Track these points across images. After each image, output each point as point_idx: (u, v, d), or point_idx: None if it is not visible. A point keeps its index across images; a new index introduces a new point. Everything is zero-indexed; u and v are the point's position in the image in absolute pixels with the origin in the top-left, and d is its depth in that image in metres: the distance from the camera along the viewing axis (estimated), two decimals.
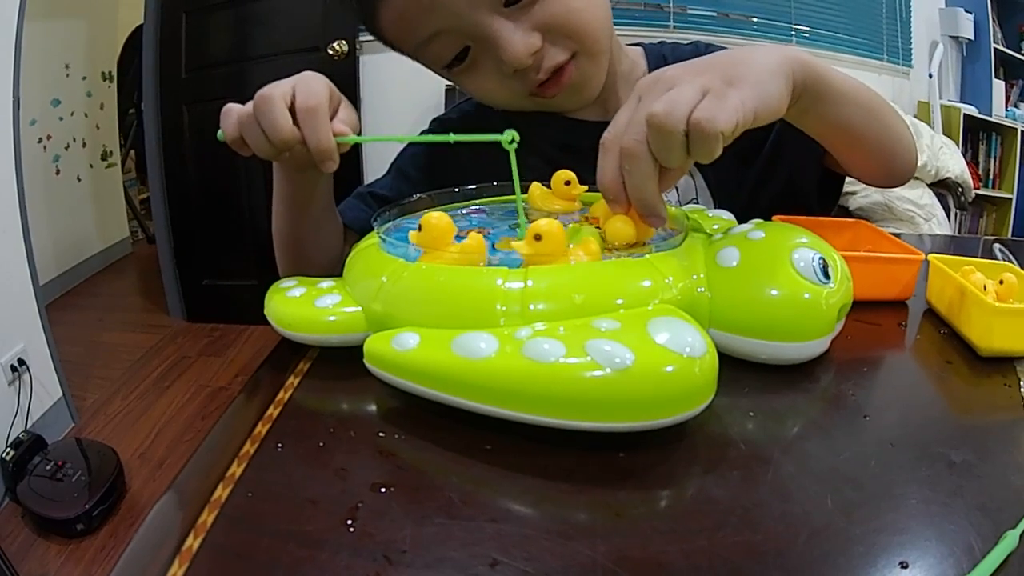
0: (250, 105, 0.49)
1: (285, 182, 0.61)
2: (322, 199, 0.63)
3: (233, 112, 0.50)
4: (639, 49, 0.78)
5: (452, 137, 0.47)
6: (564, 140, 0.73)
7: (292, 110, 0.48)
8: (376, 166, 2.31)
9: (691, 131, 0.39)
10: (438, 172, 0.75)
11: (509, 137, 0.43)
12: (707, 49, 0.77)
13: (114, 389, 2.16)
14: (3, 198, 1.73)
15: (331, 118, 0.50)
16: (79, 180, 3.10)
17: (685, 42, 0.81)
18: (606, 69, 0.67)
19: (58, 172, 2.94)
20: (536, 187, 0.56)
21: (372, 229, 0.50)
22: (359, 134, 0.52)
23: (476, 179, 0.60)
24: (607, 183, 0.43)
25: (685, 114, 0.39)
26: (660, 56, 0.77)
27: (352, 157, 2.33)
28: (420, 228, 0.42)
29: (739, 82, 0.42)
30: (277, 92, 0.48)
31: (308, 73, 0.51)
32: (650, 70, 0.75)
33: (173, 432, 1.93)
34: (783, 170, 0.71)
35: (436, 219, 0.42)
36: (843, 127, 0.57)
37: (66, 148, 2.99)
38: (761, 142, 0.72)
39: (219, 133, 0.51)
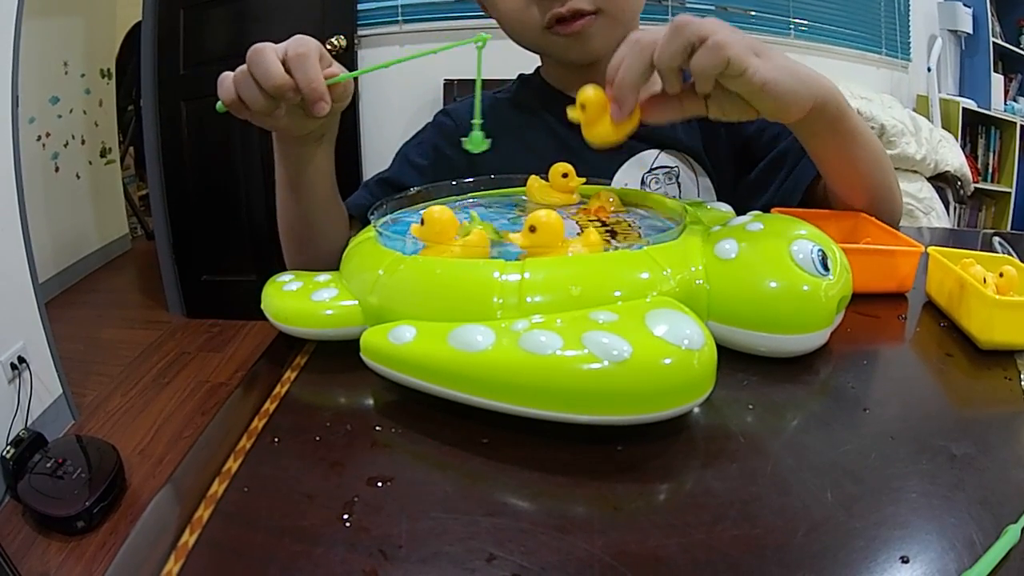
0: (243, 65, 0.50)
1: (285, 160, 0.61)
2: (324, 181, 0.63)
3: (228, 76, 0.51)
4: None
5: (433, 50, 0.52)
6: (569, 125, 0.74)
7: (285, 63, 0.49)
8: (374, 159, 2.31)
9: (702, 47, 0.42)
10: (442, 161, 0.75)
11: (478, 39, 0.48)
12: None
13: (114, 386, 2.16)
14: (2, 196, 1.72)
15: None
16: (78, 177, 3.10)
17: None
18: (619, 40, 0.68)
19: (57, 169, 2.94)
20: (534, 180, 0.56)
21: None
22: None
23: (480, 170, 0.60)
24: (611, 66, 0.46)
25: (705, 34, 0.42)
26: None
27: (351, 145, 2.34)
28: (422, 222, 0.41)
29: (765, 56, 0.45)
30: (269, 45, 0.50)
31: (299, 35, 0.52)
32: None
33: (173, 428, 1.93)
34: (772, 192, 0.72)
35: (439, 213, 0.41)
36: (846, 161, 0.60)
37: (65, 145, 2.98)
38: (760, 158, 0.73)
39: (218, 104, 0.51)
